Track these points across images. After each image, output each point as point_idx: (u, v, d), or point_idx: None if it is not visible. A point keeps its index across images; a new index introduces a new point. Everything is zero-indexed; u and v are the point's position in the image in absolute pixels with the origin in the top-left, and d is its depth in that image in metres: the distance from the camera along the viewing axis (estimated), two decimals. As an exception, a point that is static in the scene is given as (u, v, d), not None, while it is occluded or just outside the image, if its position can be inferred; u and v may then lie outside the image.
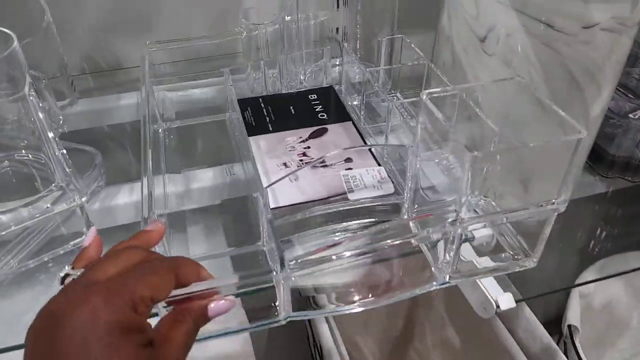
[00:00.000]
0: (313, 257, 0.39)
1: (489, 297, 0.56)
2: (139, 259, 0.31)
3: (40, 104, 0.49)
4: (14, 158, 0.57)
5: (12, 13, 0.66)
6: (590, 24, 0.49)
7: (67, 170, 0.50)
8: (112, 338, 0.26)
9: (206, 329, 0.35)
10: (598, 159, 0.72)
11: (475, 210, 0.49)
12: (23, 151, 0.57)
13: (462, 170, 0.39)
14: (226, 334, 0.42)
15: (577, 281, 0.85)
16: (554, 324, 0.84)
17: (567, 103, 0.55)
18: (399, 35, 0.62)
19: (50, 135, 0.49)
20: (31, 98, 0.48)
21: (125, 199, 0.58)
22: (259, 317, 0.43)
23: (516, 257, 0.50)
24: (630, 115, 0.68)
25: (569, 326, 0.80)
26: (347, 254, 0.40)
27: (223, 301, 0.34)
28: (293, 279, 0.39)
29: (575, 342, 0.77)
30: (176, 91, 0.73)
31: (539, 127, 0.55)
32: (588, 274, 0.88)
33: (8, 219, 0.50)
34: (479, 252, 0.51)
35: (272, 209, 0.49)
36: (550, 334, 0.75)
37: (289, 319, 0.42)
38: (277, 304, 0.42)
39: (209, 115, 0.67)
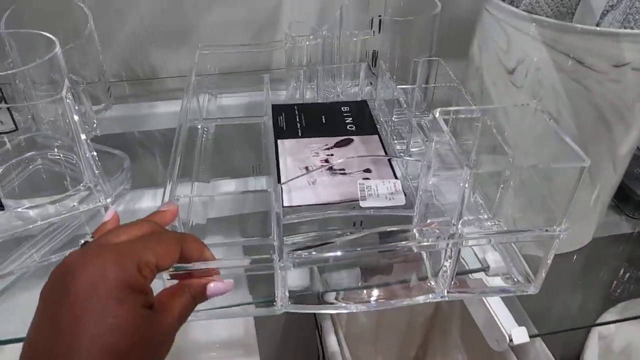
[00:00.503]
0: (312, 251, 0.41)
1: (503, 330, 0.56)
2: (149, 231, 0.34)
3: (76, 107, 0.50)
4: (47, 157, 0.59)
5: (56, 19, 0.69)
6: (621, 63, 0.49)
7: (96, 171, 0.52)
8: (118, 292, 0.28)
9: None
10: (625, 199, 0.72)
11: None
12: (56, 150, 0.59)
13: (461, 186, 0.39)
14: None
15: (598, 320, 0.83)
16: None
17: (595, 140, 0.55)
18: (436, 58, 0.63)
19: (83, 137, 0.51)
20: (68, 101, 0.50)
21: (148, 203, 0.59)
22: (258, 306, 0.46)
23: (519, 282, 0.49)
24: (660, 158, 0.67)
25: (587, 369, 0.78)
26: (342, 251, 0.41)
27: (222, 283, 0.36)
28: (292, 268, 0.41)
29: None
30: (218, 97, 0.76)
31: (559, 157, 0.55)
32: (609, 315, 0.86)
33: (35, 214, 0.53)
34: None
35: (285, 206, 0.50)
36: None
37: (284, 311, 0.44)
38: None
39: (246, 118, 0.70)
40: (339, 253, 0.40)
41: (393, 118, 0.63)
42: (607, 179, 0.60)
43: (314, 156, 0.59)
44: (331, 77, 0.74)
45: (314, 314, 0.90)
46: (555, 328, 0.67)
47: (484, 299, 0.59)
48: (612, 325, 0.86)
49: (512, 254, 0.49)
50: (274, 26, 0.80)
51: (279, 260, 0.40)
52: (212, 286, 0.36)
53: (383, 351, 1.07)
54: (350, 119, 0.67)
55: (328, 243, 0.40)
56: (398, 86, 0.62)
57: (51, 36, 0.51)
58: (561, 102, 0.53)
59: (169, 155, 0.75)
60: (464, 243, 0.41)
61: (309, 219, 0.51)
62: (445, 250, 0.43)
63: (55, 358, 0.26)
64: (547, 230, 0.42)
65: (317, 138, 0.63)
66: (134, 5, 0.75)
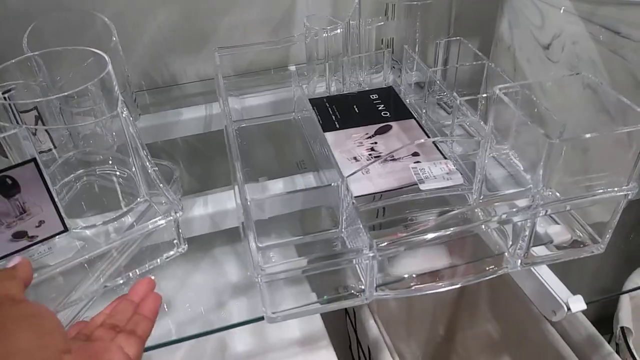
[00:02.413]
0: (396, 239, 0.42)
1: (559, 300, 0.57)
2: None
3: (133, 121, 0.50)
4: (95, 173, 0.59)
5: (78, 33, 0.68)
6: (656, 30, 0.51)
7: (160, 185, 0.52)
8: None
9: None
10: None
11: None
12: (105, 166, 0.59)
13: (540, 157, 0.41)
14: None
15: (628, 281, 0.86)
16: (601, 322, 0.85)
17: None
18: (457, 38, 0.65)
19: (144, 152, 0.51)
20: (124, 115, 0.50)
21: (200, 211, 0.59)
22: (339, 298, 0.46)
23: (584, 244, 0.51)
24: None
25: (622, 328, 0.81)
26: (429, 236, 0.42)
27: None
28: (380, 258, 0.42)
29: (630, 344, 0.78)
30: (240, 98, 0.76)
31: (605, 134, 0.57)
32: (637, 276, 0.89)
33: (94, 234, 0.52)
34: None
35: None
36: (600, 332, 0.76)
37: (374, 298, 0.45)
38: (360, 284, 0.45)
39: (275, 116, 0.71)
40: (429, 236, 0.41)
41: (426, 99, 0.65)
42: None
43: (358, 146, 0.60)
44: (354, 67, 0.75)
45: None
46: (590, 291, 0.69)
47: (534, 270, 0.61)
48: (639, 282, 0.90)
49: (571, 220, 0.51)
50: (290, 23, 0.81)
51: (370, 251, 0.41)
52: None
53: (414, 332, 1.09)
54: (382, 105, 0.68)
55: (412, 230, 0.41)
56: (430, 69, 0.63)
57: (101, 53, 0.51)
58: (599, 73, 0.55)
59: (204, 161, 0.76)
60: (542, 212, 0.43)
61: (373, 207, 0.52)
62: (525, 222, 0.44)
63: None
64: (616, 192, 0.43)
65: (356, 128, 0.64)
66: (150, 15, 0.75)
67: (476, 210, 0.52)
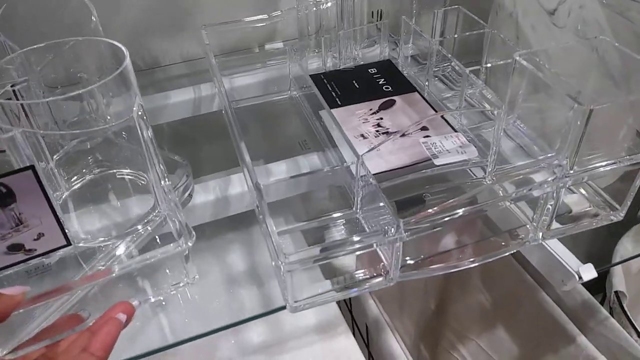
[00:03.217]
0: (422, 217, 0.40)
1: (570, 269, 0.57)
2: None
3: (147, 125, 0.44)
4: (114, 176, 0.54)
5: (55, 15, 0.63)
6: (664, -9, 0.51)
7: (172, 204, 0.46)
8: None
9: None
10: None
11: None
12: (123, 171, 0.53)
13: (571, 125, 0.40)
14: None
15: (618, 245, 0.88)
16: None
17: (637, 67, 0.56)
18: (455, 6, 0.63)
19: (160, 168, 0.44)
20: (142, 121, 0.42)
21: (201, 198, 0.56)
22: (362, 282, 0.44)
23: (603, 212, 0.51)
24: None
25: (616, 292, 0.82)
26: (459, 212, 0.41)
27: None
28: (407, 238, 0.40)
29: (625, 308, 0.80)
30: (231, 77, 0.72)
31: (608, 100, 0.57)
32: (627, 239, 0.91)
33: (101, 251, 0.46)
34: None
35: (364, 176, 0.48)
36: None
37: (399, 279, 0.44)
38: (384, 266, 0.43)
39: (270, 95, 0.68)
40: (459, 212, 0.40)
41: (431, 71, 0.63)
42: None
43: (364, 123, 0.58)
44: (349, 41, 0.72)
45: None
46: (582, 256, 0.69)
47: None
48: (630, 248, 0.91)
49: (587, 188, 0.51)
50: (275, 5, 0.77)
51: (397, 232, 0.39)
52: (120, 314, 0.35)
53: (406, 307, 1.09)
54: (383, 80, 0.66)
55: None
56: (433, 39, 0.61)
57: (119, 45, 0.44)
58: (605, 37, 0.54)
59: (193, 146, 0.72)
60: (569, 183, 0.42)
61: (390, 184, 0.50)
62: (551, 193, 0.43)
63: None
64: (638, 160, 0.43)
65: (358, 104, 0.61)
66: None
67: (492, 183, 0.51)
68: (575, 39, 0.55)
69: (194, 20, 0.75)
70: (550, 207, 0.45)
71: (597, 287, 0.92)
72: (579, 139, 0.41)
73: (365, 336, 0.90)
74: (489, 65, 0.59)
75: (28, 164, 0.36)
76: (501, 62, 0.58)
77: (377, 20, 0.75)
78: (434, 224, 0.41)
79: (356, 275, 0.45)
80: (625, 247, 0.90)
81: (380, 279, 0.44)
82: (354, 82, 0.66)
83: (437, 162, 0.51)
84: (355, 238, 0.39)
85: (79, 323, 0.38)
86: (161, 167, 0.45)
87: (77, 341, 0.36)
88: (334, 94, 0.64)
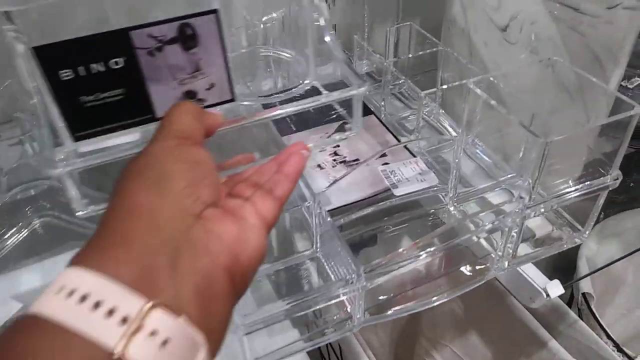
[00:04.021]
0: (385, 262, 0.39)
1: (537, 286, 0.57)
2: None
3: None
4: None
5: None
6: (613, 4, 0.50)
7: None
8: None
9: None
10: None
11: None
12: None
13: (532, 156, 0.39)
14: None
15: (582, 246, 0.88)
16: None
17: (590, 82, 0.56)
18: (407, 23, 0.61)
19: None
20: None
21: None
22: (323, 332, 0.43)
23: (565, 235, 0.50)
24: None
25: (584, 294, 0.82)
26: (422, 256, 0.40)
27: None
28: (369, 285, 0.39)
29: (593, 309, 0.80)
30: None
31: (564, 114, 0.56)
32: (591, 239, 0.92)
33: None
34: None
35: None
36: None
37: (363, 325, 0.42)
38: (349, 310, 0.41)
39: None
40: (422, 256, 0.38)
41: (386, 92, 0.61)
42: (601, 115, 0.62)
43: (320, 151, 0.56)
44: (297, 61, 0.70)
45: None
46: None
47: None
48: (594, 246, 0.92)
49: (552, 216, 0.50)
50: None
51: (358, 280, 0.37)
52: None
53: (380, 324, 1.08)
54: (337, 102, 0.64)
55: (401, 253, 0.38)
56: (387, 60, 0.59)
57: None
58: (558, 52, 0.53)
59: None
60: (535, 212, 0.41)
61: (344, 220, 0.48)
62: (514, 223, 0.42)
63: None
64: (602, 184, 0.42)
65: (312, 129, 0.59)
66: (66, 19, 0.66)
67: (453, 210, 0.49)
68: (528, 55, 0.54)
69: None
70: (514, 234, 0.44)
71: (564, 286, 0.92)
72: (537, 167, 0.40)
73: (339, 354, 0.88)
74: (444, 87, 0.57)
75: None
76: (456, 83, 0.57)
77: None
78: (398, 268, 0.39)
79: (320, 322, 0.43)
80: (589, 247, 0.91)
81: (344, 326, 0.42)
82: (307, 105, 0.64)
83: (396, 192, 0.49)
84: (313, 295, 0.37)
85: (253, 161, 0.38)
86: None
87: (266, 165, 0.34)
88: (288, 119, 0.61)
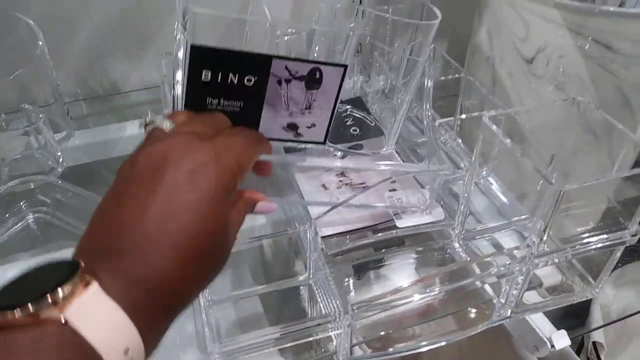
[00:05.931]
0: (375, 302, 0.36)
1: (542, 336, 0.53)
2: (227, 126, 0.33)
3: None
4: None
5: (1, 37, 0.59)
6: (649, 45, 0.47)
7: None
8: (216, 195, 0.27)
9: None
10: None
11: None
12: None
13: (544, 205, 0.36)
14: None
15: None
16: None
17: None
18: (431, 46, 0.59)
19: None
20: None
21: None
22: None
23: (576, 287, 0.47)
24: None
25: (594, 343, 0.78)
26: (417, 297, 0.37)
27: (269, 203, 0.35)
28: (357, 326, 0.37)
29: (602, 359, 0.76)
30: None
31: (588, 156, 0.53)
32: (606, 285, 0.87)
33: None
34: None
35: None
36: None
37: None
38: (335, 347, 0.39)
39: None
40: (417, 297, 0.35)
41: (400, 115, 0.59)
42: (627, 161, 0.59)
43: (327, 171, 0.54)
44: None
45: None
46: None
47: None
48: (610, 292, 0.88)
49: (563, 264, 0.47)
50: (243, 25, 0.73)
51: (344, 318, 0.35)
52: (260, 204, 0.34)
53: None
54: (351, 120, 0.62)
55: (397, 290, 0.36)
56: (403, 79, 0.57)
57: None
58: (585, 90, 0.51)
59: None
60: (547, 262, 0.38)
61: (343, 248, 0.46)
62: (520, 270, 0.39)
63: (140, 237, 0.25)
64: (619, 238, 0.39)
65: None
66: (84, 14, 0.65)
67: (458, 248, 0.47)
68: (553, 90, 0.51)
69: (157, 43, 0.70)
70: (520, 281, 0.41)
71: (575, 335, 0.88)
72: (550, 213, 0.37)
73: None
74: (463, 116, 0.55)
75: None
76: (475, 114, 0.54)
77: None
78: (390, 307, 0.36)
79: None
80: (604, 293, 0.87)
81: (331, 360, 0.39)
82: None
83: (399, 223, 0.46)
84: (299, 327, 0.34)
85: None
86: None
87: None
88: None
